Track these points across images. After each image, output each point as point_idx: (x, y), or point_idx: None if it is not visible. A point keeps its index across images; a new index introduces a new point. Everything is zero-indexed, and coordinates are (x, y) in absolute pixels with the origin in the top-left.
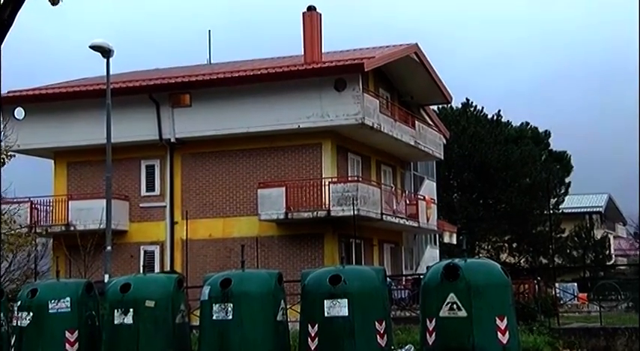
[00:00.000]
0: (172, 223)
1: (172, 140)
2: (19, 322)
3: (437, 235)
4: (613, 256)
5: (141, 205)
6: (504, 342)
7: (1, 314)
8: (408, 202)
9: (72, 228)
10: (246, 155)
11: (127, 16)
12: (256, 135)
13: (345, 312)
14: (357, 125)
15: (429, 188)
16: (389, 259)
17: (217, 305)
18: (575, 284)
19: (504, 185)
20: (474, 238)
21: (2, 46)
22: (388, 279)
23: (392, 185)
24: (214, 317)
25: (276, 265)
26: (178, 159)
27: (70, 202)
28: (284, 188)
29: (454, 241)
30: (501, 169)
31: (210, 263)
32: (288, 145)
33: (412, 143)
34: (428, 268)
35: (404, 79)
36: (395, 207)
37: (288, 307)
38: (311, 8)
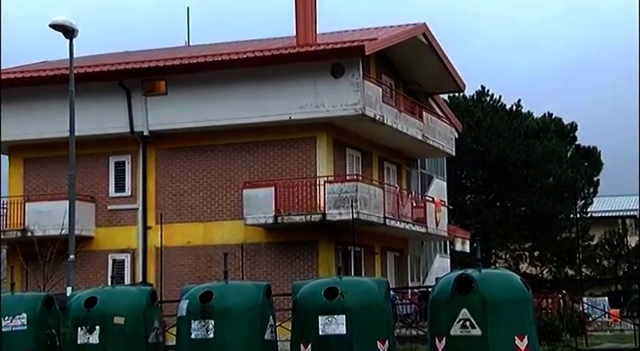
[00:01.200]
0: (145, 229)
1: (145, 133)
2: None
3: (447, 243)
4: None
5: (109, 207)
6: None
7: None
8: (414, 204)
9: (29, 234)
10: (230, 151)
11: None
12: (241, 128)
13: (342, 330)
14: (356, 117)
15: (438, 188)
16: (393, 269)
17: (196, 322)
18: (606, 299)
19: (525, 185)
20: (490, 245)
21: None
22: (392, 292)
23: (396, 185)
24: (193, 336)
25: (264, 276)
26: (152, 155)
27: (26, 204)
28: (273, 188)
29: (467, 249)
30: (521, 167)
31: (189, 274)
32: (277, 140)
33: (419, 137)
34: (437, 279)
35: (410, 64)
36: (400, 210)
37: (277, 324)
38: None
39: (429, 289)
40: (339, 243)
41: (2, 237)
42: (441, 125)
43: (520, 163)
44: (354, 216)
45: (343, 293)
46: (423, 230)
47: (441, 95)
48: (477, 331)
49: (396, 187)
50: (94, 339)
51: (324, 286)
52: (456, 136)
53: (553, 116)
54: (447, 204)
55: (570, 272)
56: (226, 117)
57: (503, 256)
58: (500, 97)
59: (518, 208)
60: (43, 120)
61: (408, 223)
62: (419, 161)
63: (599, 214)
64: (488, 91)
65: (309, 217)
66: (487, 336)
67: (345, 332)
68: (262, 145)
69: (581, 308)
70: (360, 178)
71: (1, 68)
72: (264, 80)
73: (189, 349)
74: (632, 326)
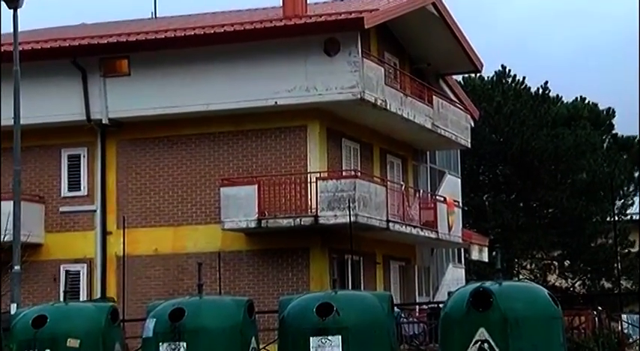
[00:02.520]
0: (104, 234)
1: (104, 121)
2: None
3: (462, 250)
4: None
5: (61, 209)
6: None
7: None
8: (423, 205)
9: None
10: (205, 142)
11: None
12: (218, 115)
13: None
14: (354, 102)
15: (451, 186)
16: (397, 281)
17: (165, 345)
18: None
19: (553, 182)
20: (512, 253)
21: None
22: (396, 309)
23: (401, 182)
24: None
25: (246, 290)
26: (112, 147)
27: None
28: (255, 186)
29: (485, 258)
30: (549, 161)
31: (156, 287)
32: (261, 129)
33: (429, 126)
34: (450, 294)
35: (418, 39)
36: (405, 212)
37: (261, 346)
38: None
39: (440, 305)
40: (333, 251)
41: None
42: (454, 112)
43: (547, 156)
44: (352, 219)
45: (339, 310)
46: (434, 236)
47: (455, 76)
48: None
49: (402, 185)
50: None
51: (316, 302)
52: (472, 124)
53: (586, 101)
54: (461, 204)
55: (607, 285)
56: (200, 102)
57: (528, 267)
58: (524, 78)
59: (546, 209)
60: None
61: (415, 227)
62: (428, 154)
63: None
64: (509, 71)
65: (298, 220)
66: None
67: None
68: (243, 135)
69: (619, 327)
70: (359, 174)
71: None
72: (244, 59)
73: None
74: None
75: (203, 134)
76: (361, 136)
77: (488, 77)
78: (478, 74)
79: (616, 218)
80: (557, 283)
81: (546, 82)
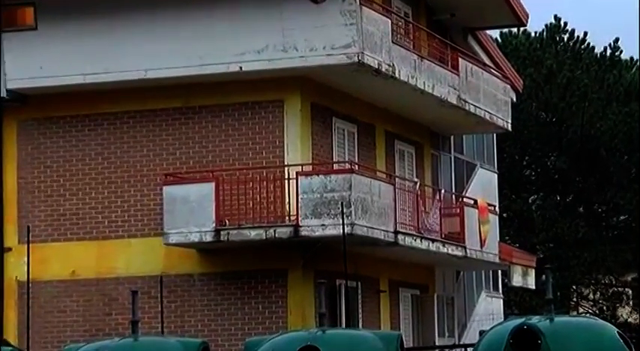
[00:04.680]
0: (1, 251)
1: (2, 94)
2: None
3: (499, 273)
4: None
5: None
6: None
7: None
8: (445, 210)
9: None
10: (142, 123)
11: None
12: (161, 85)
13: None
14: (349, 67)
15: (484, 184)
16: (410, 316)
17: None
18: None
19: (625, 179)
20: (570, 277)
21: None
22: None
23: (415, 179)
24: None
25: (198, 329)
26: (12, 129)
27: None
28: (212, 185)
29: (531, 284)
30: (619, 149)
31: (74, 325)
32: (220, 105)
33: (453, 100)
34: (482, 333)
35: None
36: (421, 220)
37: None
38: None
39: (470, 350)
40: (320, 274)
41: None
42: (488, 81)
43: (618, 142)
44: (347, 230)
45: None
46: (460, 253)
47: (489, 32)
48: None
49: (415, 182)
50: None
51: (296, 346)
52: (514, 98)
53: None
54: (498, 210)
55: None
56: (135, 67)
57: (591, 296)
58: (585, 34)
59: (616, 216)
60: None
61: (434, 241)
62: (452, 140)
63: None
64: (565, 25)
65: (272, 231)
66: None
67: None
68: (195, 113)
69: None
70: (356, 167)
71: None
72: (197, 9)
73: None
74: None
75: (139, 112)
76: (359, 115)
77: (535, 33)
78: (522, 29)
79: None
80: (630, 319)
81: (616, 40)
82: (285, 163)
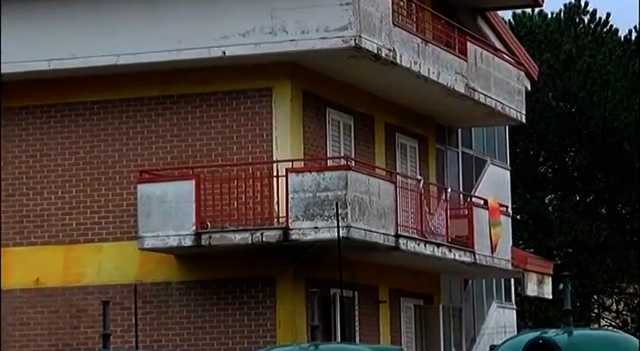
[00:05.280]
0: None
1: None
2: None
3: (512, 282)
4: None
5: None
6: None
7: None
8: (452, 211)
9: None
10: (114, 114)
11: None
12: (135, 72)
13: None
14: (345, 51)
15: (495, 182)
16: (413, 329)
17: None
18: None
19: None
20: (591, 286)
21: None
22: None
23: (418, 177)
24: None
25: (177, 344)
26: None
27: None
28: (193, 183)
29: (548, 294)
30: None
31: (38, 339)
32: (201, 94)
33: (461, 88)
34: (493, 348)
35: None
36: (425, 222)
37: None
38: None
39: None
40: (313, 282)
41: None
42: (499, 67)
43: None
44: (342, 233)
45: None
46: (468, 259)
47: (501, 13)
48: None
49: (419, 180)
50: None
51: None
52: (528, 86)
53: None
54: (511, 211)
55: None
56: (107, 52)
57: (614, 306)
58: (608, 16)
59: None
60: None
61: (439, 245)
62: (460, 133)
63: None
64: (586, 5)
65: (258, 234)
66: None
67: None
68: (173, 103)
69: None
70: (353, 163)
71: None
72: None
73: None
74: None
75: (110, 102)
76: (356, 105)
77: (553, 14)
78: (537, 9)
79: None
80: None
81: None
82: (274, 159)
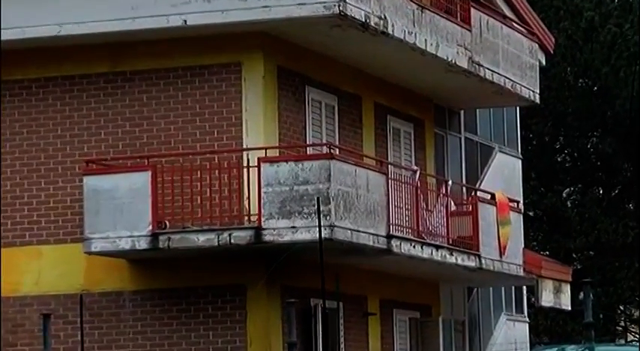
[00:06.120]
0: None
1: None
2: None
3: (524, 290)
4: None
5: None
6: None
7: None
8: (453, 207)
9: None
10: (55, 93)
11: None
12: (80, 44)
13: None
14: (327, 19)
15: (504, 173)
16: (408, 346)
17: None
18: None
19: None
20: (615, 294)
21: None
22: None
23: (414, 167)
24: None
25: None
26: None
27: None
28: (148, 174)
29: (565, 304)
30: None
31: None
32: (158, 70)
33: (463, 63)
34: None
35: None
36: (421, 220)
37: None
38: None
39: None
40: (290, 291)
41: None
42: (509, 38)
43: None
44: (324, 233)
45: None
46: (472, 263)
47: None
48: None
49: (415, 171)
50: None
51: None
52: (543, 61)
53: None
54: (522, 207)
55: None
56: (47, 21)
57: None
58: None
59: None
60: None
61: (439, 248)
62: (462, 115)
63: None
64: None
65: (226, 235)
66: None
67: None
68: (125, 81)
69: None
70: (337, 151)
71: None
72: None
73: None
74: None
75: (51, 80)
76: (341, 83)
77: None
78: None
79: None
80: None
81: None
82: (244, 146)
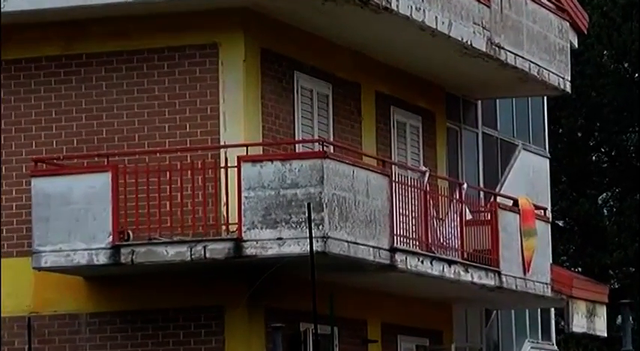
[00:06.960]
0: None
1: None
2: None
3: (552, 313)
4: None
5: None
6: None
7: None
8: (469, 215)
9: None
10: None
11: None
12: (28, 22)
13: None
14: None
15: (529, 175)
16: None
17: None
18: None
19: None
20: None
21: None
22: None
23: (423, 168)
24: None
25: None
26: None
27: None
28: (109, 176)
29: (601, 329)
30: None
31: None
32: (120, 52)
33: (481, 46)
34: None
35: None
36: (431, 230)
37: None
38: None
39: None
40: (276, 313)
41: None
42: (535, 15)
43: None
44: (316, 246)
45: None
46: (491, 282)
47: None
48: None
49: (423, 172)
50: None
51: None
52: (575, 42)
53: None
54: (550, 215)
55: None
56: None
57: None
58: None
59: None
60: None
61: (452, 263)
62: (479, 106)
63: None
64: None
65: (200, 248)
66: None
67: None
68: (81, 66)
69: None
70: (331, 148)
71: None
72: None
73: None
74: None
75: None
76: (336, 69)
77: None
78: None
79: None
80: None
81: None
82: (221, 143)
